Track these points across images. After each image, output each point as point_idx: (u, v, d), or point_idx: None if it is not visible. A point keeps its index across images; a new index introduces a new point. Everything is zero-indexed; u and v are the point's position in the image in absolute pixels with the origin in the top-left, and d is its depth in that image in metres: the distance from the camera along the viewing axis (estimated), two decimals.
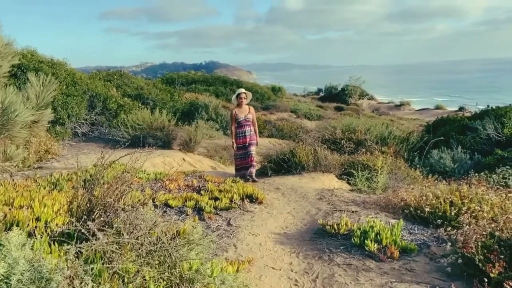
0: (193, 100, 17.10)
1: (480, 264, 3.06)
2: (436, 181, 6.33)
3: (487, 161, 8.99)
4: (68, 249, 2.32)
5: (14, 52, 3.75)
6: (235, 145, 7.23)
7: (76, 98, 11.03)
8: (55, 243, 2.77)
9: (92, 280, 2.20)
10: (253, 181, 6.88)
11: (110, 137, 10.96)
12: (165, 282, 2.47)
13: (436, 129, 12.38)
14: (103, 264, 2.40)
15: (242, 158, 7.21)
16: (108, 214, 2.93)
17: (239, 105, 7.29)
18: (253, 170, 7.22)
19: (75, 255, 2.34)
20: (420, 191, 5.09)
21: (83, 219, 2.77)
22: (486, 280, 2.86)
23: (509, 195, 4.54)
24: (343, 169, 7.89)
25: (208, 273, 2.62)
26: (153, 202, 4.75)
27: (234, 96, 7.57)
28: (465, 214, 4.03)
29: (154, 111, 11.40)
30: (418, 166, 8.96)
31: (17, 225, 3.17)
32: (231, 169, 9.92)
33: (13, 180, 5.31)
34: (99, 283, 2.28)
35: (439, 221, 4.27)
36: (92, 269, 2.27)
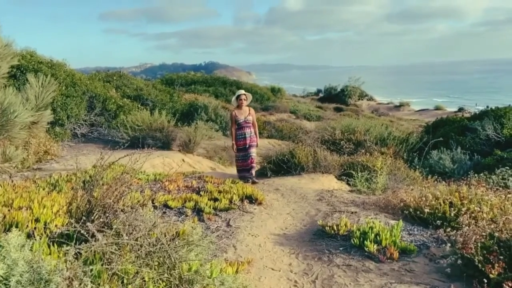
0: (193, 101, 17.10)
1: (479, 265, 3.06)
2: (436, 182, 6.33)
3: (487, 162, 8.99)
4: (67, 250, 2.31)
5: (14, 53, 3.74)
6: (235, 146, 7.20)
7: (76, 99, 11.03)
8: (54, 244, 2.77)
9: (91, 281, 2.19)
10: (253, 182, 6.87)
11: (109, 138, 10.96)
12: (164, 283, 2.47)
13: (435, 130, 12.38)
14: (102, 265, 2.40)
15: (243, 160, 7.18)
16: (107, 215, 2.93)
17: (239, 106, 7.22)
18: (253, 172, 7.21)
19: (74, 256, 2.34)
20: (419, 192, 5.10)
21: (82, 220, 2.77)
22: (485, 281, 2.86)
23: (509, 196, 4.54)
24: (342, 170, 7.89)
25: (207, 274, 2.62)
26: (153, 203, 4.74)
27: (234, 98, 7.52)
28: (465, 215, 4.03)
29: (153, 112, 11.40)
30: (417, 166, 8.96)
31: (16, 226, 3.17)
32: (231, 170, 9.92)
33: (12, 181, 5.31)
34: (98, 284, 2.28)
35: (438, 222, 4.28)
36: (91, 270, 2.27)
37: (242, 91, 7.41)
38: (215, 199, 5.29)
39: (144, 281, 2.40)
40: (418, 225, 4.51)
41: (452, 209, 4.38)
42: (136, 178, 5.77)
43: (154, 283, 2.43)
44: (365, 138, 10.82)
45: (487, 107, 15.14)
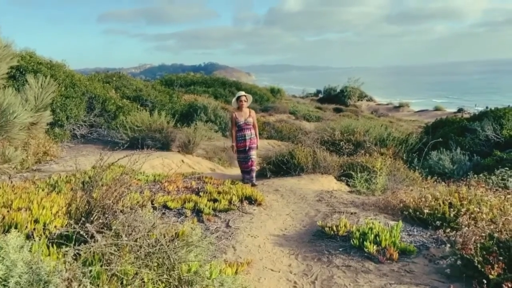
0: (192, 101, 17.09)
1: (479, 266, 3.06)
2: (435, 182, 6.33)
3: (486, 163, 8.99)
4: (67, 251, 2.31)
5: (13, 54, 3.74)
6: (235, 148, 7.15)
7: (75, 99, 11.02)
8: (54, 245, 2.77)
9: (90, 282, 2.19)
10: (252, 185, 6.84)
11: (109, 138, 10.95)
12: (163, 284, 2.47)
13: (435, 131, 12.38)
14: (101, 266, 2.40)
15: (243, 162, 7.15)
16: (106, 216, 2.93)
17: (239, 108, 7.12)
18: (254, 175, 7.17)
19: (74, 257, 2.33)
20: (419, 192, 5.10)
21: (81, 221, 2.77)
22: (485, 281, 2.85)
23: (508, 196, 4.54)
24: (342, 171, 7.89)
25: (207, 275, 2.61)
26: (152, 204, 4.74)
27: (234, 99, 7.44)
28: (464, 216, 4.04)
29: (153, 112, 11.38)
30: (417, 167, 8.96)
31: (16, 227, 3.16)
32: (230, 171, 9.92)
33: (11, 182, 5.30)
34: (98, 285, 2.28)
35: (438, 223, 4.28)
36: (90, 271, 2.27)
37: (242, 93, 7.33)
38: (215, 200, 5.28)
39: (144, 282, 2.40)
40: (417, 226, 4.51)
41: (452, 209, 4.38)
42: (135, 179, 5.77)
43: (154, 284, 2.42)
44: (364, 138, 10.82)
45: (487, 107, 15.15)
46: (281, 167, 7.83)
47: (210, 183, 6.25)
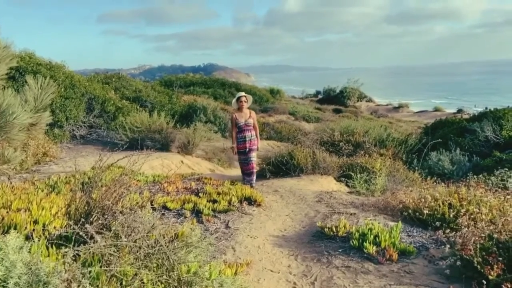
0: (192, 102, 17.09)
1: (478, 266, 3.06)
2: (435, 183, 6.33)
3: (486, 163, 9.00)
4: (66, 252, 2.31)
5: (12, 55, 3.74)
6: (235, 150, 7.10)
7: (74, 100, 11.02)
8: (53, 246, 2.77)
9: (90, 283, 2.19)
10: (251, 187, 6.81)
11: (108, 139, 10.95)
12: (163, 285, 2.46)
13: (434, 131, 12.39)
14: (101, 267, 2.40)
15: (244, 164, 7.11)
16: (106, 217, 2.92)
17: (239, 109, 7.04)
18: (254, 178, 7.14)
19: (73, 258, 2.33)
20: (418, 193, 5.10)
21: (81, 222, 2.77)
22: (484, 282, 2.85)
23: (508, 197, 4.54)
24: (341, 172, 7.89)
25: (206, 276, 2.61)
26: (151, 204, 4.74)
27: (234, 100, 7.36)
28: (464, 216, 4.04)
29: (152, 113, 11.38)
30: (416, 168, 8.96)
31: (15, 228, 3.16)
32: (230, 172, 9.92)
33: (10, 183, 5.30)
34: (97, 286, 2.27)
35: (437, 223, 4.27)
36: (90, 272, 2.26)
37: (243, 93, 7.24)
38: (214, 201, 5.28)
39: (143, 283, 2.40)
40: (417, 227, 4.51)
41: (451, 210, 4.38)
42: (135, 179, 5.77)
43: (153, 285, 2.42)
44: (364, 139, 10.83)
45: (486, 108, 15.16)
46: (281, 167, 7.84)
47: (210, 184, 6.25)
